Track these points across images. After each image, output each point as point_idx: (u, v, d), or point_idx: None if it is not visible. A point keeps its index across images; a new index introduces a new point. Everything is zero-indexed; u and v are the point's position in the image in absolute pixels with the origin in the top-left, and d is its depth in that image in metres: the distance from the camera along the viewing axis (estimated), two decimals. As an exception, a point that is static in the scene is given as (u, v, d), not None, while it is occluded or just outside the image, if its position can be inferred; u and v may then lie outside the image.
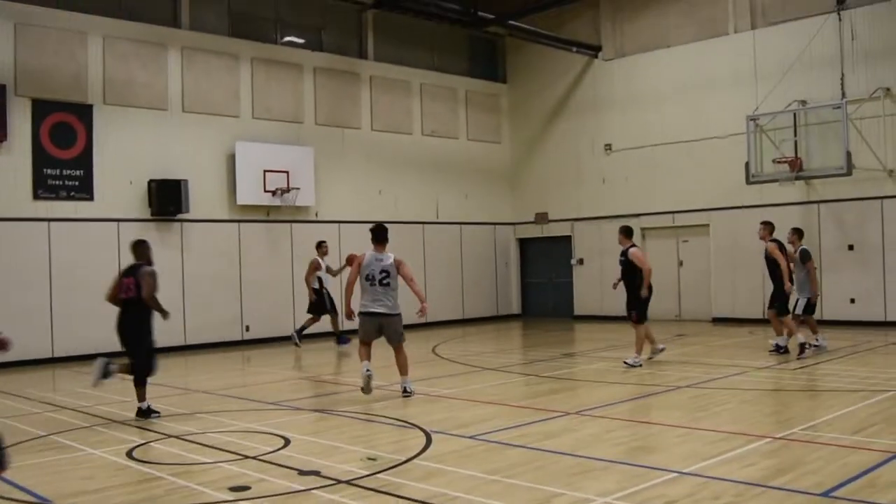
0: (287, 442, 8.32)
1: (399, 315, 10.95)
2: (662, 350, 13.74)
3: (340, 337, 17.52)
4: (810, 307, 13.96)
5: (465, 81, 24.18)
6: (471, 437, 8.23)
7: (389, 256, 10.90)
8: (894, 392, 10.06)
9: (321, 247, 17.52)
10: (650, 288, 13.23)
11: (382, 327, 10.87)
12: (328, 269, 17.39)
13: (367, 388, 10.67)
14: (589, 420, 9.02)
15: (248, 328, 19.07)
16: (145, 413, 9.97)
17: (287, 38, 20.69)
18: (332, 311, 17.38)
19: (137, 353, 9.99)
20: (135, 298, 9.87)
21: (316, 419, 9.86)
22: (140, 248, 10.28)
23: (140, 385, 10.02)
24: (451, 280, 23.26)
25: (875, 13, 18.14)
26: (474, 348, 17.41)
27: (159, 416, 9.98)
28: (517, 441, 8.00)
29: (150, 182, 17.70)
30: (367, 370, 10.69)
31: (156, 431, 9.15)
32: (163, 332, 17.42)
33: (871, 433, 7.89)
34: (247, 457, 7.74)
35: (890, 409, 9.08)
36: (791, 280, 13.72)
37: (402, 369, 11.03)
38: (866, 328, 17.34)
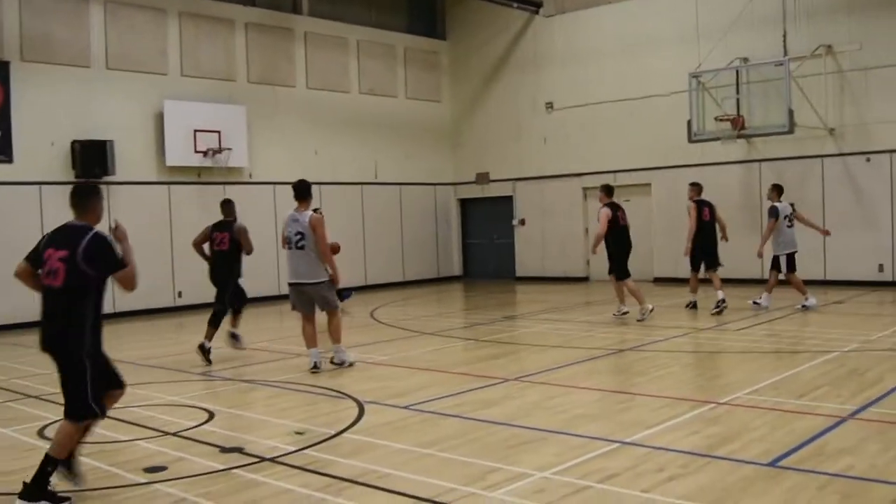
0: (211, 416, 7.88)
1: (322, 283, 9.99)
2: (624, 314, 13.89)
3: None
4: (788, 264, 14.13)
5: (403, 38, 23.55)
6: (405, 408, 7.87)
7: (307, 215, 9.92)
8: (838, 353, 9.92)
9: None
10: (619, 247, 13.80)
11: (310, 297, 10.10)
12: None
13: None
14: (528, 387, 8.71)
15: (180, 294, 18.43)
16: (236, 337, 11.69)
17: (217, -8, 19.86)
18: None
19: (231, 291, 11.51)
20: (227, 251, 11.38)
21: (245, 390, 9.41)
22: (228, 206, 11.66)
23: (237, 314, 11.74)
24: (390, 242, 22.81)
25: (817, -31, 17.97)
26: (414, 312, 17.03)
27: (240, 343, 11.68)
28: (453, 411, 7.65)
29: (74, 143, 16.89)
30: (315, 364, 9.94)
31: (72, 406, 8.61)
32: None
33: (816, 397, 7.69)
34: (167, 433, 7.29)
35: (834, 370, 8.91)
36: (696, 242, 14.43)
37: (333, 336, 10.27)
38: (807, 287, 17.30)
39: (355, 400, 8.27)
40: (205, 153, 18.54)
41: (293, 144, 20.69)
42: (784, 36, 18.01)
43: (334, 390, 8.85)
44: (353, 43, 22.22)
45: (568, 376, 9.23)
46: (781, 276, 14.28)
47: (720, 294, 14.07)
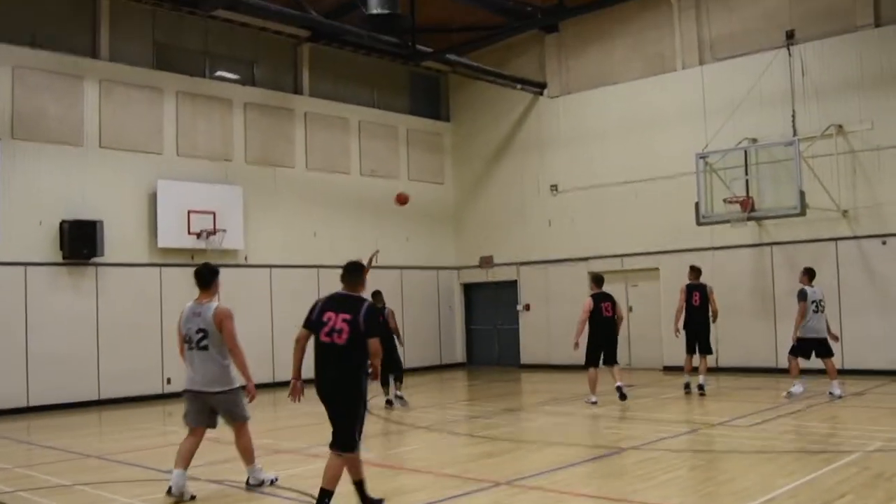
0: (165, 524, 7.11)
1: (231, 391, 8.11)
2: (592, 403, 13.88)
3: None
4: (796, 348, 13.75)
5: (406, 119, 23.25)
6: (380, 517, 7.08)
7: (211, 307, 8.04)
8: (860, 453, 9.08)
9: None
10: (592, 336, 13.93)
11: (212, 408, 8.20)
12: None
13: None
14: (520, 492, 7.90)
15: (169, 380, 17.70)
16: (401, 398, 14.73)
17: (217, 73, 19.60)
18: None
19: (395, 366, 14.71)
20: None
21: (209, 493, 8.59)
22: (378, 296, 14.21)
23: (399, 381, 14.99)
24: (391, 327, 22.07)
25: (825, 48, 17.56)
26: (411, 402, 16.19)
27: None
28: (433, 522, 6.87)
29: (62, 223, 16.48)
30: (171, 488, 7.97)
31: (20, 510, 7.87)
32: (74, 387, 16.23)
33: (839, 508, 6.87)
34: (111, 545, 6.53)
35: (858, 475, 8.07)
36: (687, 322, 14.84)
37: (245, 456, 8.38)
38: (823, 377, 16.44)
39: (327, 506, 7.46)
40: (198, 235, 18.04)
41: (291, 226, 20.20)
42: (793, 115, 17.60)
43: (305, 494, 8.05)
44: (355, 124, 21.91)
45: (565, 480, 8.41)
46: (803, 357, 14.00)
47: (701, 378, 14.64)
